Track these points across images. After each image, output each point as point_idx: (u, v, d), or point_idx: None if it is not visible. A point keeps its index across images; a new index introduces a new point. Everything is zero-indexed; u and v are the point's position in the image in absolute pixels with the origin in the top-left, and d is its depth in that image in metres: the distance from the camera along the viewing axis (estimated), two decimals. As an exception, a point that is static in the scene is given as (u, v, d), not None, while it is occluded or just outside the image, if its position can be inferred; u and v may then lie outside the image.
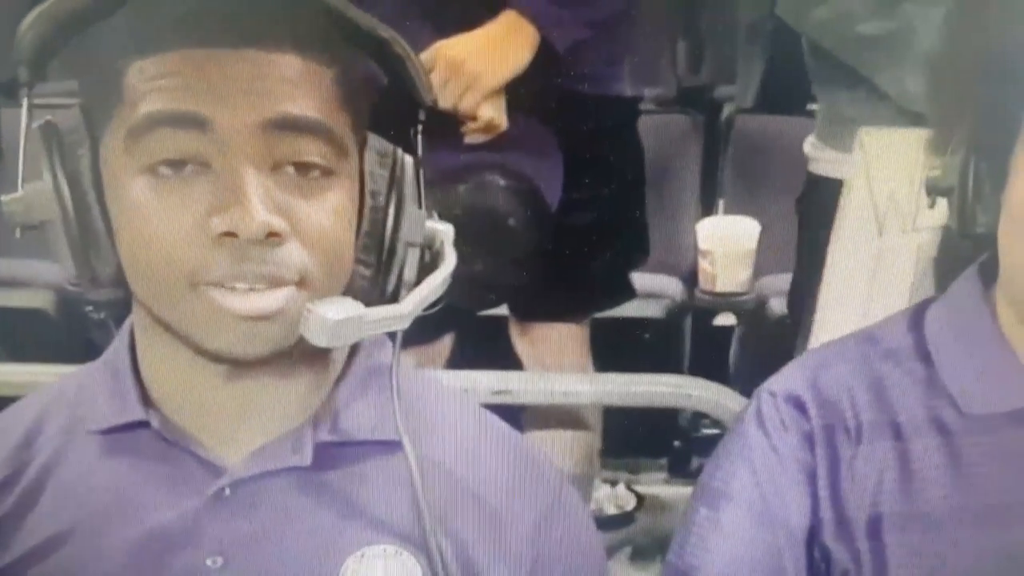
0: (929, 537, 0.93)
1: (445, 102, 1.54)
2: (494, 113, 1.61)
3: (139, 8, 0.82)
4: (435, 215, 0.91)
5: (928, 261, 1.39)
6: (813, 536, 0.96)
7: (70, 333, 2.68)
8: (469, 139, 1.58)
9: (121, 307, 0.89)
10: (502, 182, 1.62)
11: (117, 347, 0.92)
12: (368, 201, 0.87)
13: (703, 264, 2.69)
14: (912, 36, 1.47)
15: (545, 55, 1.61)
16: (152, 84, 0.81)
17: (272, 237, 0.80)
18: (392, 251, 0.88)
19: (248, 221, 0.79)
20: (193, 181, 0.81)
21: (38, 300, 2.67)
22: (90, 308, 2.44)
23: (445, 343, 1.83)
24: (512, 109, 1.63)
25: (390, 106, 0.92)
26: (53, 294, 2.71)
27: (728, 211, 3.12)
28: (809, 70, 1.74)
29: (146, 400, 0.89)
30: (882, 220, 1.40)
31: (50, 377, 1.00)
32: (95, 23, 0.83)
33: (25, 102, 0.85)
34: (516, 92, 1.62)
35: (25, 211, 0.84)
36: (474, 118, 1.58)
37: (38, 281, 2.70)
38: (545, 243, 1.66)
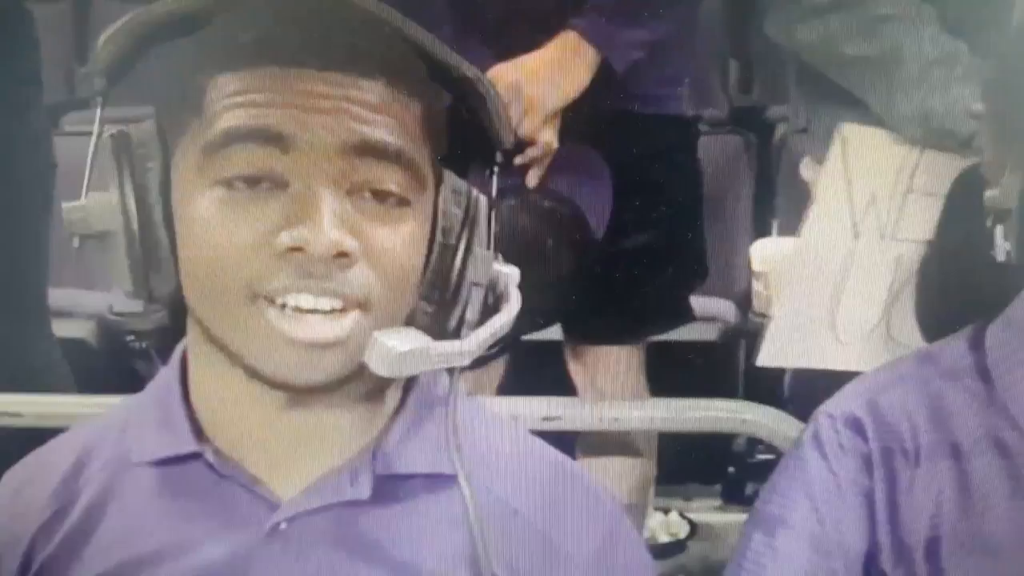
0: (988, 561, 0.91)
1: None
2: (550, 137, 1.59)
3: (223, 25, 0.82)
4: (500, 257, 0.90)
5: (908, 275, 1.36)
6: (870, 561, 0.94)
7: (111, 363, 2.68)
8: (519, 160, 1.56)
9: (163, 336, 0.88)
10: (545, 203, 1.60)
11: (166, 377, 0.91)
12: (439, 238, 0.86)
13: (757, 286, 2.65)
14: (900, 56, 1.42)
15: (603, 76, 1.59)
16: (232, 100, 0.80)
17: (340, 257, 0.79)
18: (457, 290, 0.87)
19: (317, 237, 0.78)
20: (267, 198, 0.80)
21: (78, 330, 2.67)
22: (131, 338, 2.46)
23: (497, 369, 1.82)
24: (560, 129, 1.61)
25: (467, 143, 0.91)
26: (94, 324, 2.71)
27: (783, 232, 3.09)
28: (801, 91, 1.69)
29: (198, 432, 0.88)
30: (859, 223, 1.37)
31: (91, 408, 1.00)
32: (175, 39, 0.84)
33: (98, 111, 0.86)
34: (570, 113, 1.60)
35: (86, 220, 0.83)
36: (532, 143, 1.56)
37: (79, 311, 2.70)
38: (586, 267, 1.63)
